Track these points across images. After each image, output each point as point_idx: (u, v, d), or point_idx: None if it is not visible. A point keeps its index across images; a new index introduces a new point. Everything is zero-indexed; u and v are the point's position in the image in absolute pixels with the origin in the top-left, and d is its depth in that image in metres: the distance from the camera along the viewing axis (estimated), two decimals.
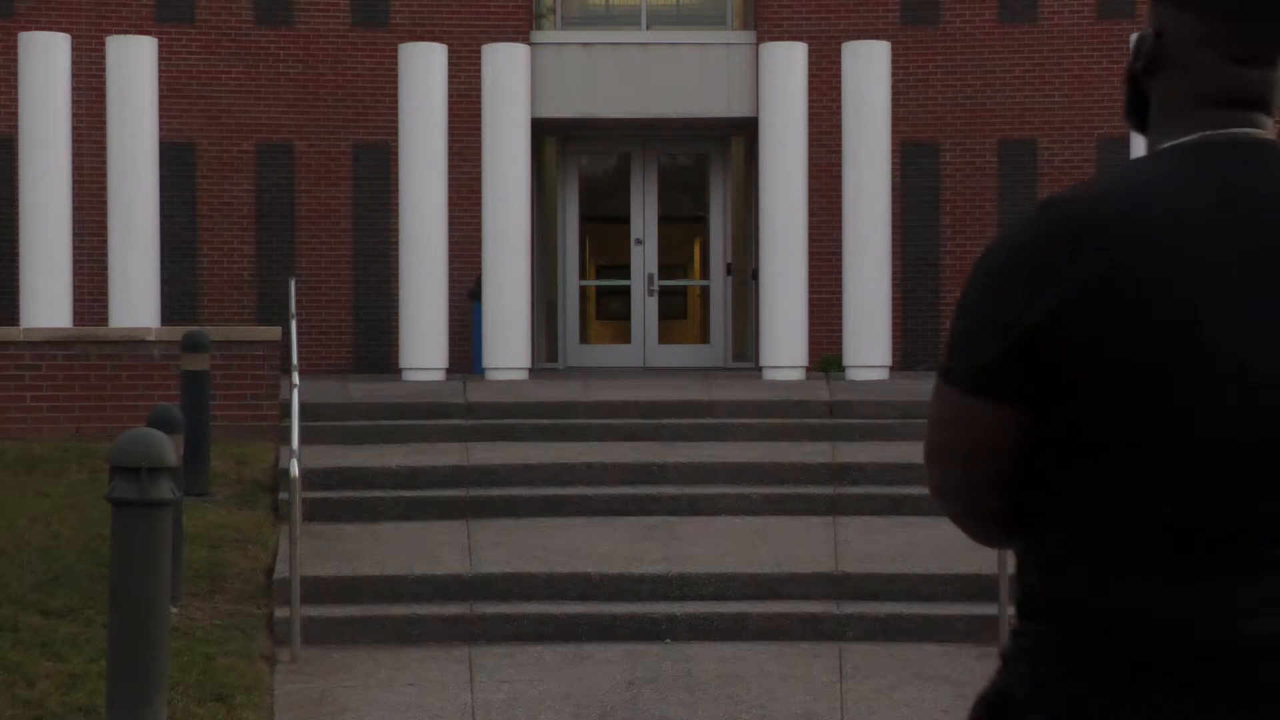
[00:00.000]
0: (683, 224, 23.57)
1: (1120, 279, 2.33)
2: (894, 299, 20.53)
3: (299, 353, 14.95)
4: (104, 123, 18.94)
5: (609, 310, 23.66)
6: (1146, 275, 2.33)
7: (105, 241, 18.87)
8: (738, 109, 22.27)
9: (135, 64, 18.33)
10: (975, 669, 9.47)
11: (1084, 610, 2.32)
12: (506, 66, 19.02)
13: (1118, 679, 2.29)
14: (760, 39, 21.69)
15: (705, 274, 23.16)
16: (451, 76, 20.36)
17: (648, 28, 23.08)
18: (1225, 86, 2.47)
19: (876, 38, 20.84)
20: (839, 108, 19.44)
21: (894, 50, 20.66)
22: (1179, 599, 2.27)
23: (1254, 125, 2.47)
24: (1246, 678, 2.23)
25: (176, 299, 21.58)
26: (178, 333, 14.59)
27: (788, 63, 19.07)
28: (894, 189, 21.22)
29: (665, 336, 22.88)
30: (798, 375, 18.56)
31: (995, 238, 2.49)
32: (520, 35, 21.94)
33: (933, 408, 2.49)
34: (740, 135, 23.14)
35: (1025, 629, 2.39)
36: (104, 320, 19.69)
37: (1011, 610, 10.02)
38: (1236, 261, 2.36)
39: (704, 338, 22.99)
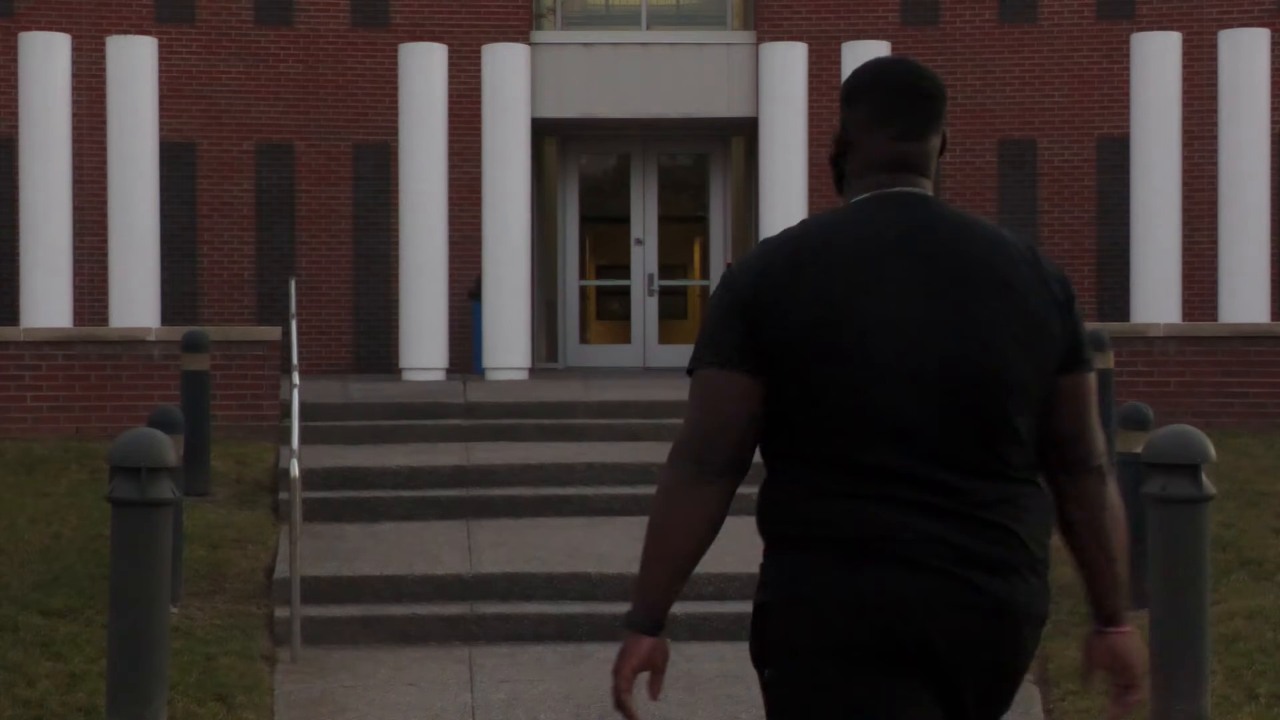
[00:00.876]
0: (683, 224, 23.58)
1: (806, 291, 3.48)
2: None
3: (299, 353, 14.95)
4: (104, 123, 18.95)
5: (609, 310, 23.67)
6: (836, 285, 3.49)
7: (105, 241, 18.87)
8: (738, 109, 22.27)
9: (135, 64, 18.33)
10: None
11: (806, 524, 3.52)
12: (506, 66, 19.02)
13: (815, 558, 3.50)
14: (760, 39, 21.69)
15: (705, 274, 23.17)
16: (451, 76, 20.37)
17: (648, 28, 23.09)
18: (891, 158, 3.62)
19: (876, 38, 20.84)
20: (838, 108, 19.44)
21: (894, 50, 20.66)
22: (847, 511, 3.48)
23: (913, 185, 3.62)
24: (880, 552, 3.46)
25: (176, 299, 21.58)
26: (178, 333, 14.59)
27: (788, 63, 19.07)
28: None
29: (665, 336, 22.89)
30: None
31: (740, 259, 3.61)
32: (520, 35, 21.94)
33: (692, 392, 3.56)
34: (740, 135, 23.14)
35: (771, 548, 3.58)
36: (104, 320, 19.70)
37: None
38: (896, 280, 3.50)
39: None
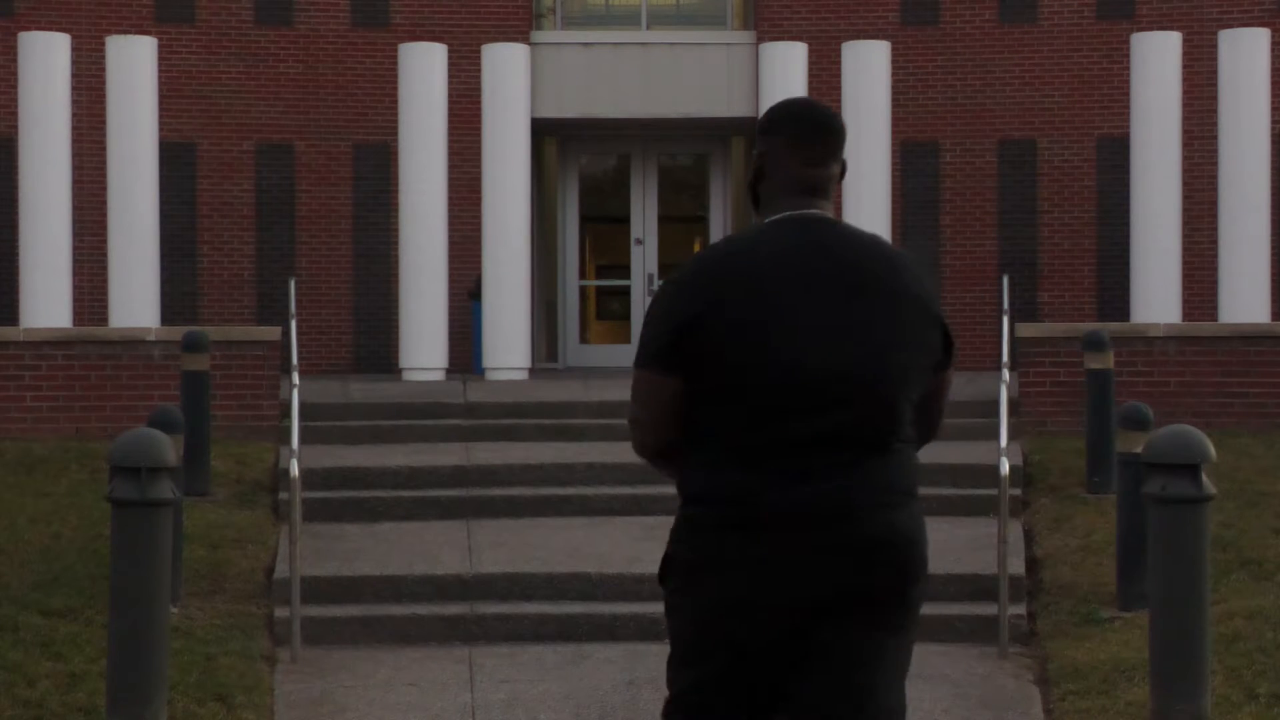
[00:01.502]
0: (683, 224, 23.59)
1: (728, 299, 4.22)
2: None
3: (299, 353, 14.95)
4: (104, 123, 18.94)
5: (609, 310, 23.68)
6: (745, 298, 4.23)
7: (105, 241, 18.87)
8: (738, 109, 22.26)
9: (135, 64, 18.33)
10: (975, 669, 9.47)
11: (711, 495, 4.25)
12: (506, 66, 19.01)
13: (722, 526, 4.23)
14: (760, 39, 21.69)
15: None
16: (451, 76, 20.36)
17: (648, 28, 23.09)
18: (798, 183, 4.35)
19: (876, 38, 20.84)
20: (839, 108, 19.43)
21: (894, 50, 20.66)
22: (750, 484, 4.22)
23: (816, 206, 4.36)
24: (784, 526, 4.19)
25: (176, 299, 21.58)
26: (178, 333, 14.58)
27: (788, 63, 19.08)
28: (894, 189, 21.21)
29: None
30: None
31: (672, 274, 4.31)
32: (520, 35, 21.93)
33: (633, 386, 4.34)
34: (740, 135, 23.14)
35: (682, 507, 4.32)
36: (104, 320, 19.69)
37: (1011, 608, 10.04)
38: (802, 289, 4.25)
39: None
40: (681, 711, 4.38)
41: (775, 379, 4.25)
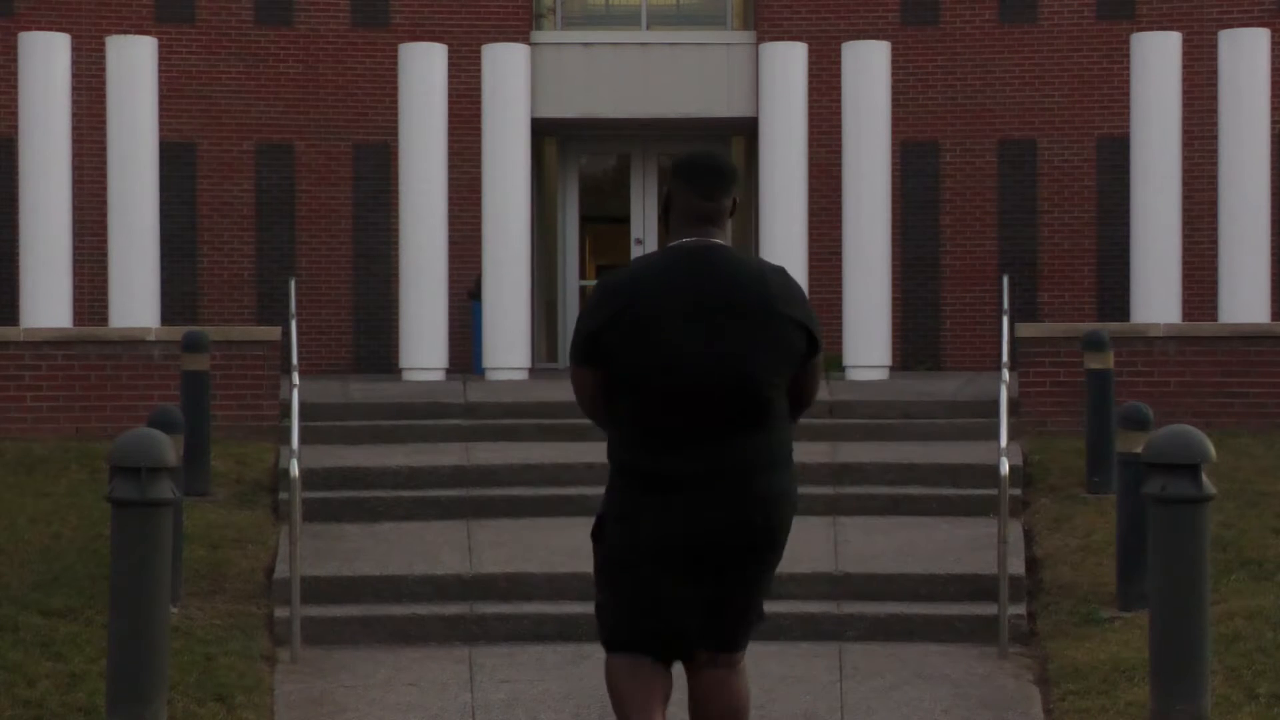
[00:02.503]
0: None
1: (626, 317, 5.52)
2: (894, 299, 20.52)
3: (299, 353, 14.95)
4: (104, 123, 18.94)
5: None
6: (642, 309, 5.51)
7: (105, 241, 18.86)
8: (738, 109, 22.27)
9: (135, 64, 18.33)
10: (975, 669, 9.47)
11: (625, 465, 5.63)
12: (506, 66, 19.01)
13: (636, 490, 5.61)
14: (760, 39, 21.69)
15: None
16: (451, 76, 20.36)
17: (648, 28, 23.09)
18: (695, 214, 5.60)
19: (876, 38, 20.83)
20: (839, 108, 19.43)
21: (894, 50, 20.65)
22: (655, 461, 5.58)
23: (709, 235, 5.62)
24: (677, 488, 5.54)
25: (176, 299, 21.58)
26: (178, 333, 14.59)
27: (788, 63, 19.07)
28: (894, 189, 21.21)
29: None
30: None
31: (604, 285, 5.64)
32: (520, 35, 21.93)
33: (572, 378, 5.73)
34: (740, 135, 23.14)
35: (610, 476, 5.71)
36: (104, 320, 19.69)
37: (1011, 608, 10.04)
38: (682, 303, 5.51)
39: None
40: (617, 643, 5.80)
41: (659, 375, 5.61)
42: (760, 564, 5.77)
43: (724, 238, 5.71)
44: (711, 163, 5.73)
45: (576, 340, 5.70)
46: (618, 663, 5.79)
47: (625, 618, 5.77)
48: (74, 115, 18.90)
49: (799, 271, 18.69)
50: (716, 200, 5.70)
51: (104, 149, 18.92)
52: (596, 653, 9.67)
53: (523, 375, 18.55)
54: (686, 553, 5.65)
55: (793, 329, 5.71)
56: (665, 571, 5.68)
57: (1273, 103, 19.26)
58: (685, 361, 5.57)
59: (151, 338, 14.97)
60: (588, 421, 14.58)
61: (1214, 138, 19.37)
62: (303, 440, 12.70)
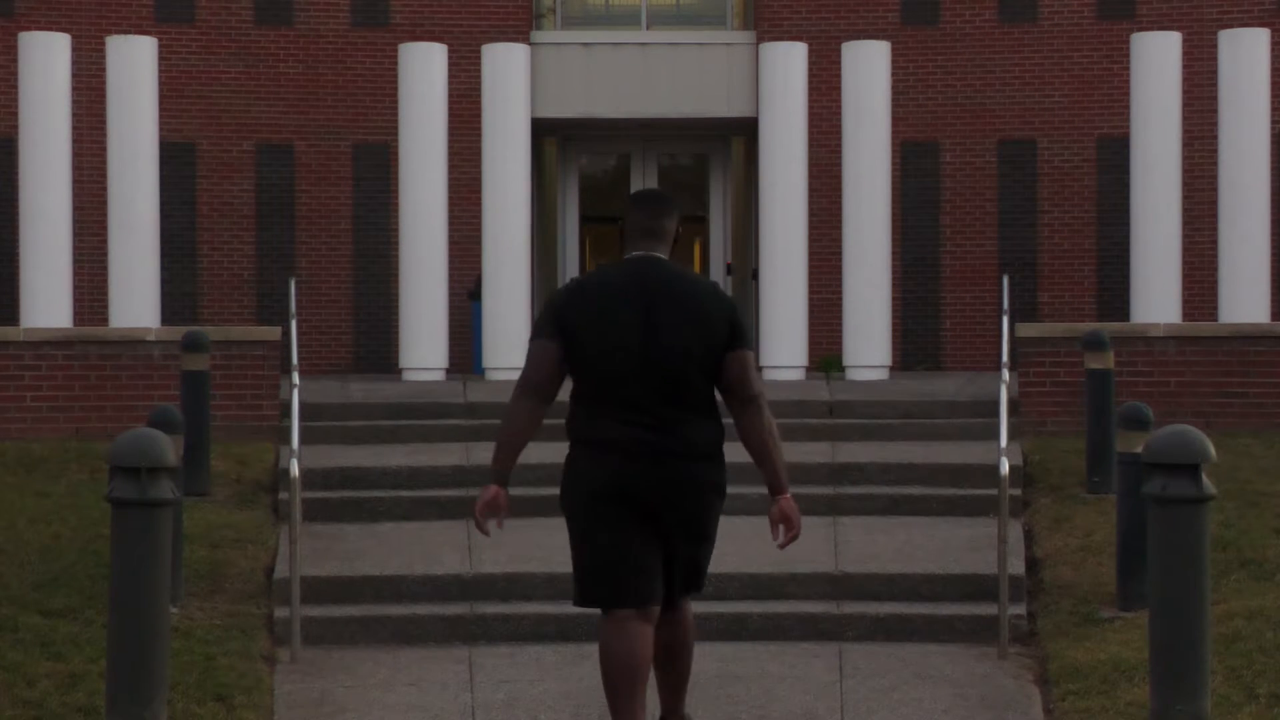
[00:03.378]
0: (683, 224, 23.54)
1: (585, 308, 6.85)
2: (894, 299, 20.52)
3: (299, 353, 14.95)
4: (104, 123, 18.94)
5: None
6: (595, 307, 6.85)
7: (105, 241, 18.86)
8: (738, 109, 22.27)
9: (135, 64, 18.32)
10: (975, 669, 9.47)
11: (582, 432, 6.90)
12: (506, 66, 19.01)
13: (588, 455, 6.87)
14: (760, 39, 21.69)
15: (705, 274, 23.18)
16: (451, 76, 20.36)
17: (648, 28, 23.09)
18: (643, 230, 7.01)
19: (876, 38, 20.83)
20: (839, 108, 19.43)
21: (894, 50, 20.65)
22: (599, 427, 6.85)
23: (653, 249, 7.02)
24: (613, 448, 6.81)
25: (176, 299, 21.58)
26: (178, 333, 14.59)
27: (788, 63, 19.07)
28: (894, 189, 21.21)
29: None
30: (798, 375, 18.56)
31: (566, 286, 7.04)
32: (520, 35, 21.93)
33: (529, 352, 6.93)
34: (740, 135, 23.14)
35: (569, 447, 6.95)
36: (104, 320, 19.69)
37: (1011, 608, 10.04)
38: (626, 303, 6.84)
39: None
40: (604, 599, 6.93)
41: (604, 360, 6.90)
42: (696, 532, 6.98)
43: (665, 253, 7.10)
44: (656, 192, 7.25)
45: (544, 317, 6.96)
46: (612, 627, 6.93)
47: (602, 576, 6.93)
48: (74, 115, 18.90)
49: (799, 271, 18.70)
50: (659, 220, 7.11)
51: (104, 149, 18.92)
52: (596, 653, 9.67)
53: None
54: (620, 501, 6.86)
55: (717, 323, 6.92)
56: (630, 515, 6.88)
57: (1273, 103, 19.26)
58: (629, 346, 6.88)
59: (151, 338, 14.97)
60: None
61: (1214, 138, 19.37)
62: (303, 440, 12.70)
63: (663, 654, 7.10)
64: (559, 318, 6.90)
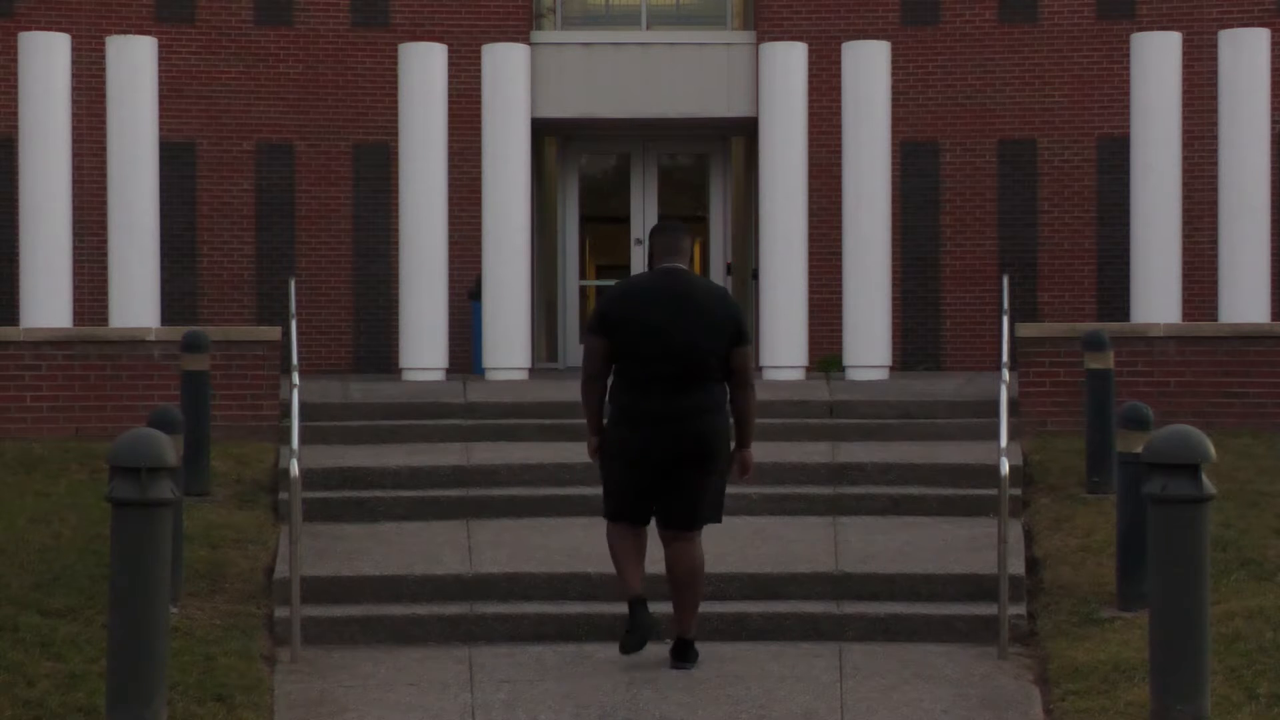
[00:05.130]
0: (683, 224, 23.55)
1: (626, 307, 9.19)
2: (894, 299, 20.52)
3: (299, 353, 14.95)
4: (104, 123, 18.94)
5: None
6: (633, 307, 9.18)
7: (105, 241, 18.86)
8: (738, 109, 22.27)
9: (135, 64, 18.33)
10: (975, 669, 9.47)
11: (621, 399, 9.22)
12: (506, 66, 19.01)
13: (624, 420, 9.21)
14: (760, 39, 21.69)
15: (705, 274, 23.17)
16: (451, 76, 20.36)
17: (648, 28, 23.09)
18: (666, 250, 9.32)
19: (876, 38, 20.83)
20: (839, 108, 19.43)
21: (894, 50, 20.65)
22: (632, 398, 9.18)
23: (676, 262, 9.31)
24: (655, 421, 9.12)
25: (176, 299, 21.58)
26: (178, 333, 14.59)
27: (788, 63, 19.07)
28: (894, 189, 21.21)
29: None
30: (798, 375, 18.56)
31: (610, 290, 9.46)
32: (520, 35, 21.94)
33: (585, 344, 9.41)
34: (740, 135, 23.14)
35: (611, 411, 9.33)
36: (104, 320, 19.69)
37: (1011, 608, 10.04)
38: (657, 304, 9.14)
39: None
40: (611, 515, 9.34)
41: (641, 347, 9.12)
42: (700, 470, 9.17)
43: (686, 264, 9.32)
44: (675, 221, 9.65)
45: (594, 319, 9.26)
46: (614, 528, 9.35)
47: (614, 501, 9.32)
48: (74, 115, 18.90)
49: (799, 271, 18.71)
50: (678, 241, 9.36)
51: (104, 149, 18.92)
52: (596, 653, 9.72)
53: (523, 375, 18.55)
54: (647, 457, 9.14)
55: (725, 323, 9.14)
56: (637, 471, 9.20)
57: (1273, 103, 19.26)
58: (658, 337, 9.09)
59: (151, 338, 14.97)
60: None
61: (1214, 138, 19.37)
62: (303, 440, 12.70)
63: (679, 575, 9.27)
64: (605, 317, 9.20)
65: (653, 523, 9.38)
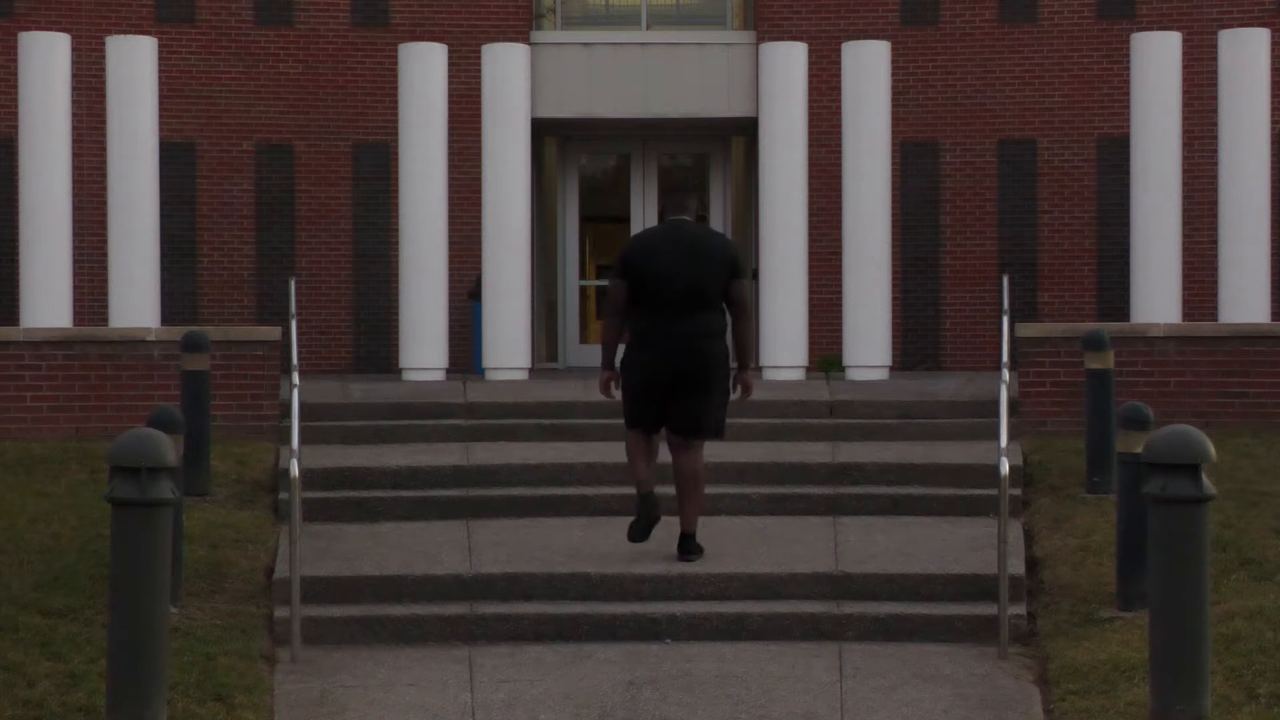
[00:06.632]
0: (701, 198, 23.56)
1: (642, 253, 10.97)
2: (894, 299, 20.52)
3: (299, 353, 14.95)
4: (104, 123, 18.94)
5: None
6: (647, 255, 10.95)
7: (105, 241, 18.86)
8: (738, 109, 22.27)
9: (135, 64, 18.32)
10: (975, 669, 9.47)
11: (638, 327, 10.97)
12: (506, 66, 19.01)
13: (640, 343, 10.97)
14: (760, 39, 21.69)
15: None
16: (451, 76, 20.36)
17: (648, 28, 23.09)
18: (674, 207, 11.20)
19: (876, 38, 20.83)
20: (839, 108, 19.43)
21: (894, 50, 20.65)
22: (648, 325, 10.93)
23: (682, 215, 11.13)
24: (658, 339, 10.89)
25: (176, 299, 21.58)
26: (178, 333, 14.59)
27: (788, 63, 19.06)
28: (894, 189, 21.21)
29: None
30: (798, 375, 18.56)
31: (631, 240, 11.28)
32: (520, 35, 21.94)
33: (609, 285, 11.20)
34: (740, 135, 23.14)
35: (630, 336, 11.06)
36: (104, 320, 19.69)
37: (1011, 608, 10.04)
38: (667, 248, 10.93)
39: None
40: (629, 423, 10.94)
41: (656, 285, 10.80)
42: (701, 384, 10.82)
43: (691, 217, 11.04)
44: (679, 182, 11.43)
45: (619, 264, 10.93)
46: (631, 434, 10.94)
47: (631, 411, 10.90)
48: (74, 115, 18.90)
49: (799, 271, 18.71)
50: (683, 200, 11.16)
51: (104, 149, 18.92)
52: (597, 653, 9.73)
53: (523, 375, 18.55)
54: (658, 371, 10.80)
55: (723, 262, 10.86)
56: (649, 383, 10.83)
57: (1273, 103, 19.26)
58: (668, 275, 10.80)
59: (151, 338, 14.97)
60: (587, 422, 14.74)
61: (1214, 138, 19.37)
62: (303, 440, 12.70)
63: (683, 478, 10.89)
64: (626, 262, 10.89)
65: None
